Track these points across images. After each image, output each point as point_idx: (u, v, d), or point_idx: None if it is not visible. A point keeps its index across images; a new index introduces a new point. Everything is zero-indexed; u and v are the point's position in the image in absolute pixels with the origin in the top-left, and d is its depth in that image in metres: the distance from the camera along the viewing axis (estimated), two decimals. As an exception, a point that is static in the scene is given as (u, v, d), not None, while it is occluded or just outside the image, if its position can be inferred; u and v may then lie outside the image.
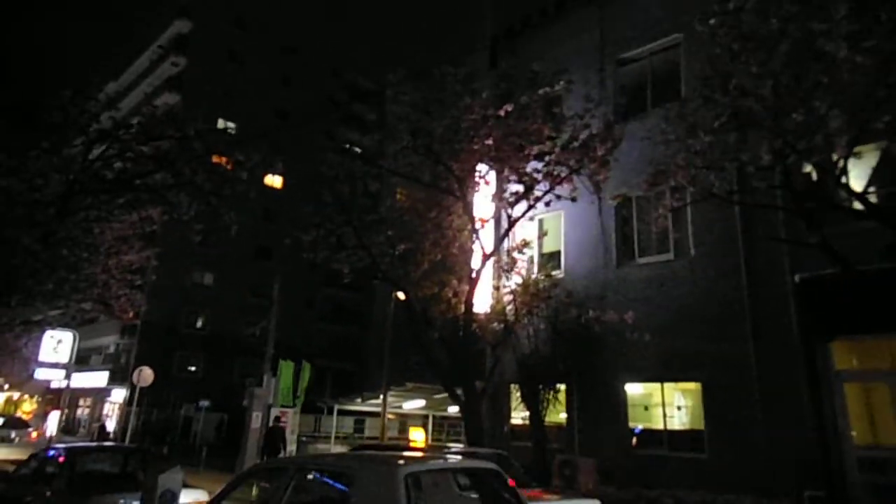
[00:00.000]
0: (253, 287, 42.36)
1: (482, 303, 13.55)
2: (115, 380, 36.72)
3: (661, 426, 12.29)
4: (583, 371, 13.31)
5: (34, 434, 35.14)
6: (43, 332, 35.25)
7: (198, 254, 37.23)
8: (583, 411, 13.47)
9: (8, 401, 41.08)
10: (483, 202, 12.78)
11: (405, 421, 29.06)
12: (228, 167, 10.34)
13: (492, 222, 13.39)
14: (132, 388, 36.41)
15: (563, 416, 13.84)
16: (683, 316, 11.98)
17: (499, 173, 10.72)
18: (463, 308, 12.87)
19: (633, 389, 12.99)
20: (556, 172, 10.44)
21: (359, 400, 25.73)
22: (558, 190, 11.31)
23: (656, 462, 11.76)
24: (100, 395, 37.89)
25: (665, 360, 12.07)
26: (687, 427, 12.17)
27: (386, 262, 12.83)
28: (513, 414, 15.15)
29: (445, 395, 26.56)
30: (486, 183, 11.63)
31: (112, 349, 38.49)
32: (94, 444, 13.73)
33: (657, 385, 12.51)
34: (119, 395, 36.34)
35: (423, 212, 12.40)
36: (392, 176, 12.12)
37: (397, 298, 15.71)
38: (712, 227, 11.92)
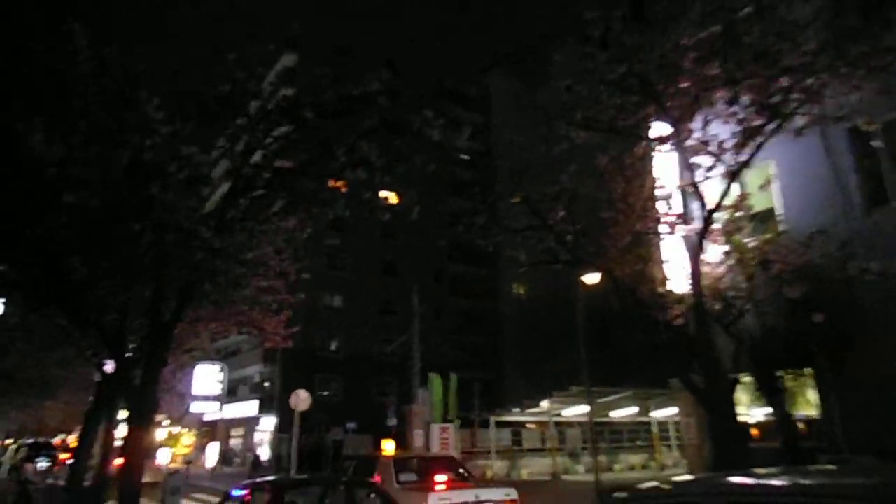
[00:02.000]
0: (381, 305, 42.09)
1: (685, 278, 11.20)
2: (263, 408, 37.33)
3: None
4: (837, 350, 10.50)
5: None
6: (193, 366, 36.46)
7: (326, 276, 37.31)
8: (844, 399, 10.62)
9: (169, 435, 43.09)
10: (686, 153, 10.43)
11: (563, 430, 26.67)
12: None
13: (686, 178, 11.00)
14: (281, 414, 37.00)
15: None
16: None
17: (730, 103, 8.41)
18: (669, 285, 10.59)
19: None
20: (813, 86, 7.93)
21: (516, 410, 23.74)
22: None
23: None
24: (250, 424, 38.69)
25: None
26: None
27: (571, 241, 10.79)
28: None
29: (611, 398, 24.07)
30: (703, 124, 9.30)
31: (257, 378, 39.29)
32: (299, 477, 12.52)
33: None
34: (267, 423, 36.81)
35: (616, 173, 10.27)
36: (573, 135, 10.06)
37: (583, 284, 13.55)
38: None
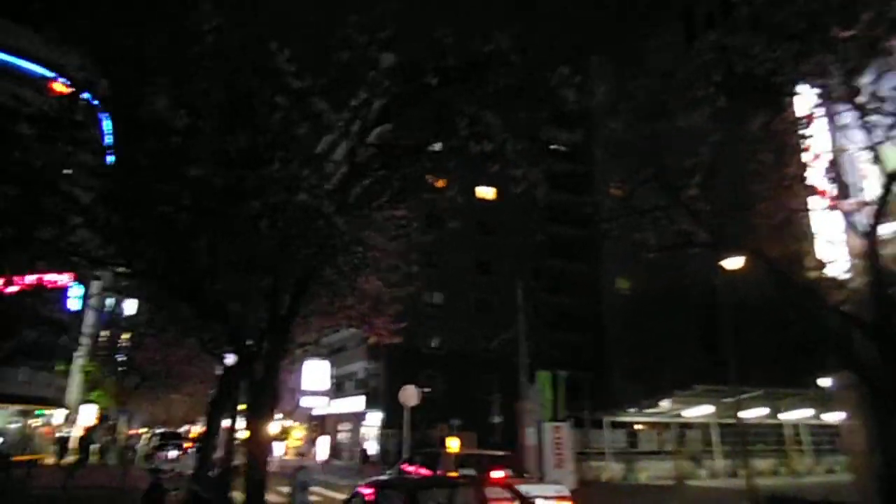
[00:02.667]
0: (477, 302, 41.64)
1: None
2: (369, 403, 37.94)
3: None
4: None
5: None
6: (302, 362, 37.64)
7: (425, 273, 37.28)
8: None
9: (282, 429, 44.94)
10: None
11: (683, 432, 24.83)
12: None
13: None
14: (387, 410, 37.44)
15: None
16: None
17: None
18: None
19: None
20: None
21: (633, 410, 22.34)
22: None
23: None
24: (356, 419, 39.47)
25: None
26: None
27: (710, 220, 9.59)
28: None
29: (739, 398, 22.06)
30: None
31: (361, 375, 40.02)
32: (429, 477, 12.26)
33: None
34: (373, 418, 37.33)
35: (768, 140, 8.97)
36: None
37: (722, 270, 12.21)
38: None
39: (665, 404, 21.18)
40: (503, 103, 6.73)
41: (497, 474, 10.39)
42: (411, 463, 14.88)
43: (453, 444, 19.30)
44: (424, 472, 12.82)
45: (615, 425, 22.90)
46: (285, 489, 15.65)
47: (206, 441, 15.26)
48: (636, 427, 25.78)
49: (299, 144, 5.96)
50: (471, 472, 10.72)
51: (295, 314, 9.30)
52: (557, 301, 45.93)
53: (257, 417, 9.15)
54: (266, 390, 9.01)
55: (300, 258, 7.25)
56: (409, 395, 17.95)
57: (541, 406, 20.89)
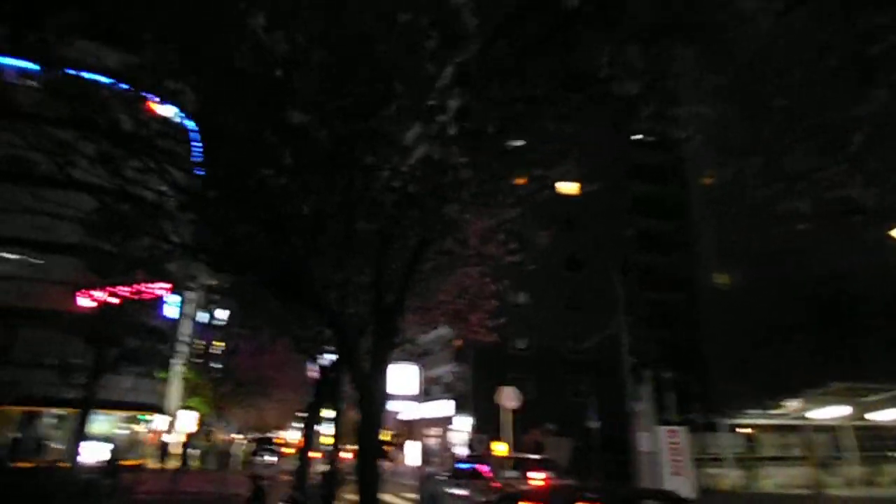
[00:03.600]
0: (566, 300, 39.93)
1: None
2: (458, 407, 37.10)
3: None
4: None
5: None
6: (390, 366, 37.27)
7: (510, 272, 36.14)
8: None
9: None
10: None
11: (809, 435, 22.34)
12: None
13: None
14: (477, 414, 36.50)
15: None
16: None
17: None
18: None
19: None
20: None
21: (754, 412, 20.25)
22: None
23: None
24: (445, 423, 38.75)
25: None
26: None
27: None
28: None
29: (876, 397, 19.57)
30: None
31: (448, 378, 39.29)
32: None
33: None
34: (462, 422, 36.46)
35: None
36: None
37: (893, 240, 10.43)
38: None
39: (792, 404, 18.99)
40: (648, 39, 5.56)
41: (536, 475, 12.45)
42: (465, 463, 16.80)
43: (500, 448, 21.24)
44: (483, 469, 14.71)
45: (731, 428, 20.84)
46: (410, 496, 15.27)
47: (304, 447, 14.82)
48: (753, 430, 23.50)
49: (413, 90, 5.07)
50: (514, 473, 13.01)
51: (402, 301, 8.47)
52: (650, 297, 43.50)
53: (367, 413, 8.40)
54: (374, 388, 8.30)
55: (416, 231, 6.38)
56: (508, 396, 16.89)
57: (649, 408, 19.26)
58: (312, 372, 17.67)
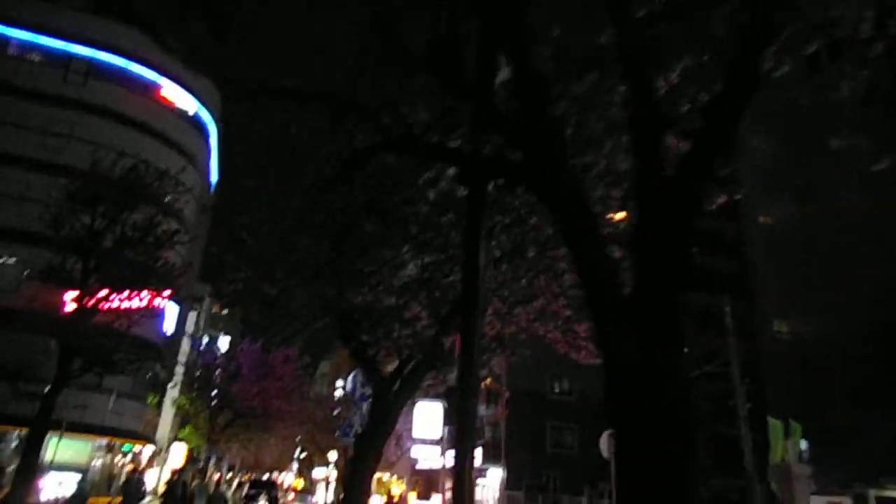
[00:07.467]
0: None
1: None
2: (487, 457, 32.00)
3: None
4: None
5: None
6: (413, 403, 32.31)
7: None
8: None
9: (378, 482, 39.46)
10: None
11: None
12: None
13: None
14: (510, 466, 31.59)
15: None
16: None
17: None
18: None
19: None
20: None
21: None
22: None
23: None
24: (475, 475, 33.70)
25: None
26: None
27: None
28: None
29: None
30: None
31: (477, 423, 34.48)
32: None
33: None
34: (494, 475, 31.48)
35: None
36: None
37: None
38: None
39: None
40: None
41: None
42: None
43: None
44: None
45: (883, 501, 16.05)
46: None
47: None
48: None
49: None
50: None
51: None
52: (701, 341, 38.76)
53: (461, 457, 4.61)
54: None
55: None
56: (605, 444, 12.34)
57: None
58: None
